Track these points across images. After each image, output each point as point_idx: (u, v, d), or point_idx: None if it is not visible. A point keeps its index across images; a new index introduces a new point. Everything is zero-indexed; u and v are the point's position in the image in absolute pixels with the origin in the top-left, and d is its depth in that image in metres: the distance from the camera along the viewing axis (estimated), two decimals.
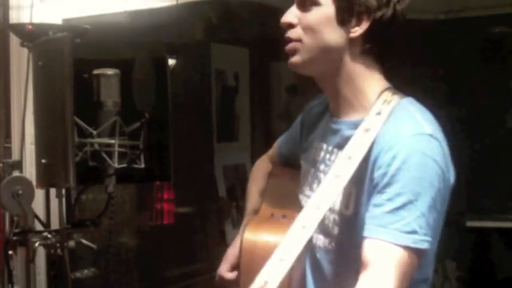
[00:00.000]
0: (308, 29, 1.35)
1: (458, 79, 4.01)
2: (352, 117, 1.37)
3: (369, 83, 1.37)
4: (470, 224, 3.95)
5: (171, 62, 2.44)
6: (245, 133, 4.20)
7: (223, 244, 3.72)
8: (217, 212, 3.94)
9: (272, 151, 1.78)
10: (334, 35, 1.34)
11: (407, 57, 3.75)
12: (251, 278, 1.22)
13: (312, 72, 1.42)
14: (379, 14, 1.33)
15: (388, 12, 1.33)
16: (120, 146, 2.21)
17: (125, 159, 2.23)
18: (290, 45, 1.37)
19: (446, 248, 4.11)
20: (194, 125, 3.76)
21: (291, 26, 1.37)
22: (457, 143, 4.03)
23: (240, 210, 3.97)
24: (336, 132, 1.41)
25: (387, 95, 1.35)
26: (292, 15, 1.37)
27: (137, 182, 2.69)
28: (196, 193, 3.86)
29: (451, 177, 1.33)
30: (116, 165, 2.20)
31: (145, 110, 2.25)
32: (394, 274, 1.21)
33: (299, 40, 1.36)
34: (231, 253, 1.66)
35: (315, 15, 1.34)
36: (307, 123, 1.58)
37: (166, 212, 3.70)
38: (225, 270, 1.65)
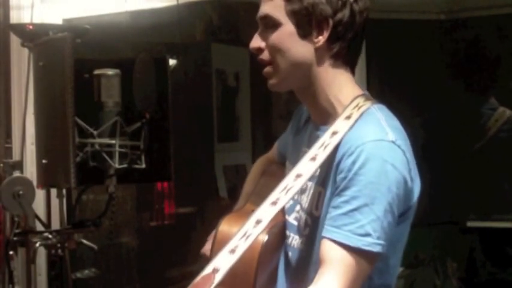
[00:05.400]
0: (275, 49, 1.40)
1: (459, 79, 4.00)
2: (329, 124, 1.40)
3: (342, 89, 1.40)
4: (470, 224, 3.95)
5: (172, 62, 2.44)
6: (246, 133, 4.20)
7: None
8: (217, 212, 3.94)
9: (272, 150, 1.81)
10: (300, 50, 1.38)
11: (407, 57, 3.75)
12: None
13: (290, 88, 1.47)
14: (337, 18, 1.36)
15: (346, 13, 1.36)
16: (120, 146, 2.21)
17: (125, 160, 2.23)
18: (264, 71, 1.43)
19: (446, 248, 4.11)
20: (195, 125, 3.76)
21: (260, 50, 1.42)
22: (457, 142, 4.00)
23: None
24: (316, 138, 1.43)
25: (360, 100, 1.38)
26: (258, 40, 1.42)
27: (138, 182, 2.69)
28: (196, 193, 3.87)
29: (416, 187, 1.34)
30: (117, 165, 2.20)
31: (146, 110, 2.26)
32: (343, 274, 1.23)
33: (271, 62, 1.41)
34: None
35: (277, 35, 1.39)
36: (297, 126, 1.62)
37: (167, 212, 3.71)
38: (208, 250, 1.69)
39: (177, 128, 2.46)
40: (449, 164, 3.64)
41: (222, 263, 1.23)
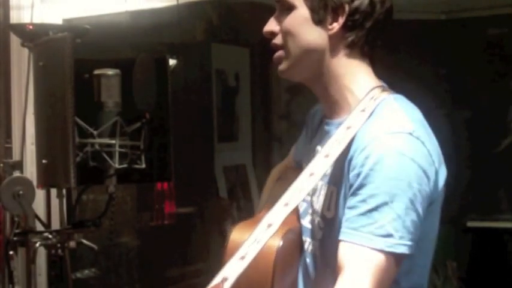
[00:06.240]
0: (287, 33, 1.34)
1: (459, 80, 4.01)
2: (341, 117, 1.34)
3: (356, 81, 1.33)
4: (470, 224, 3.95)
5: (172, 62, 2.43)
6: (246, 133, 4.20)
7: (223, 244, 3.71)
8: (217, 212, 3.95)
9: (288, 156, 1.75)
10: (313, 35, 1.32)
11: (408, 57, 3.76)
12: None
13: (300, 77, 1.40)
14: (354, 5, 1.29)
15: (364, 1, 1.30)
16: (120, 146, 2.21)
17: (125, 160, 2.23)
18: (275, 55, 1.38)
19: (446, 248, 4.12)
20: (195, 125, 3.76)
21: (274, 34, 1.37)
22: (457, 143, 4.01)
23: (241, 211, 3.97)
24: (327, 133, 1.38)
25: (376, 92, 1.30)
26: (273, 23, 1.38)
27: (138, 182, 2.68)
28: (196, 193, 3.86)
29: (440, 179, 1.27)
30: (117, 165, 2.20)
31: (146, 110, 2.25)
32: (368, 279, 1.15)
33: (283, 47, 1.36)
34: None
35: (291, 19, 1.34)
36: (311, 128, 1.55)
37: (167, 212, 3.70)
38: None
39: (177, 128, 2.46)
40: (452, 162, 3.64)
41: (231, 271, 1.15)
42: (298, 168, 1.60)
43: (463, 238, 3.96)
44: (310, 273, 1.39)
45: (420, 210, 1.20)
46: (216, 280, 1.15)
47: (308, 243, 1.40)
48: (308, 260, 1.40)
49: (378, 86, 1.33)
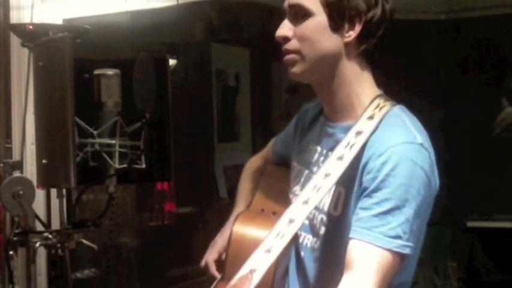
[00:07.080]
0: (304, 39, 1.37)
1: (459, 80, 4.01)
2: (346, 121, 1.40)
3: (363, 87, 1.40)
4: (470, 224, 3.95)
5: (172, 62, 2.44)
6: (246, 133, 4.20)
7: None
8: (217, 212, 3.94)
9: (266, 150, 1.80)
10: (330, 42, 1.37)
11: (407, 57, 3.75)
12: (237, 270, 1.28)
13: (311, 80, 1.44)
14: (369, 15, 1.35)
15: (378, 11, 1.36)
16: (120, 146, 2.21)
17: (125, 160, 2.23)
18: (289, 57, 1.40)
19: (446, 248, 4.11)
20: (195, 125, 3.77)
21: (287, 39, 1.39)
22: (457, 143, 4.01)
23: None
24: (330, 135, 1.44)
25: (380, 101, 1.38)
26: (286, 28, 1.39)
27: (138, 182, 2.69)
28: (196, 193, 3.86)
29: (437, 186, 1.36)
30: (117, 165, 2.20)
31: (146, 110, 2.26)
32: (375, 276, 1.24)
33: (297, 52, 1.38)
34: (219, 242, 1.73)
35: (308, 25, 1.37)
36: (302, 126, 1.61)
37: (167, 212, 3.71)
38: (211, 259, 1.71)
39: (177, 128, 2.46)
40: (452, 163, 3.64)
41: (259, 262, 1.25)
42: (278, 163, 1.65)
43: (463, 238, 3.96)
44: (307, 266, 1.46)
45: (423, 215, 1.31)
46: (243, 271, 1.24)
47: (304, 237, 1.47)
48: (303, 253, 1.47)
49: (380, 95, 1.40)
